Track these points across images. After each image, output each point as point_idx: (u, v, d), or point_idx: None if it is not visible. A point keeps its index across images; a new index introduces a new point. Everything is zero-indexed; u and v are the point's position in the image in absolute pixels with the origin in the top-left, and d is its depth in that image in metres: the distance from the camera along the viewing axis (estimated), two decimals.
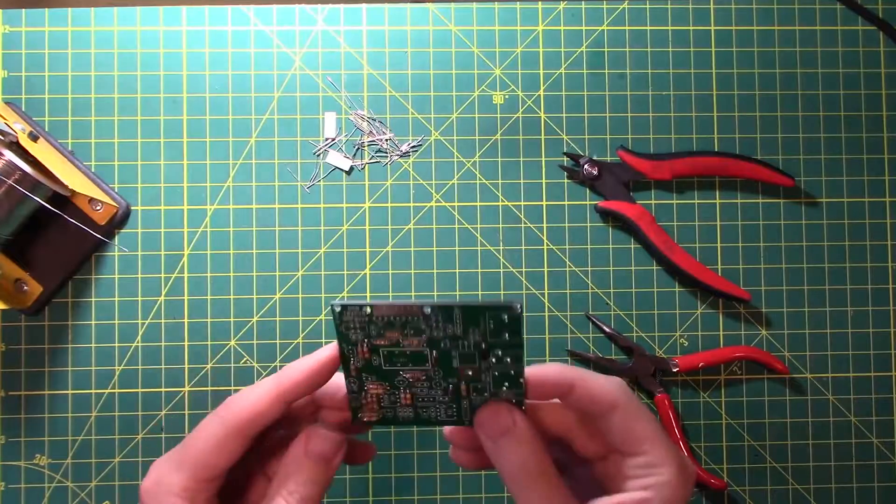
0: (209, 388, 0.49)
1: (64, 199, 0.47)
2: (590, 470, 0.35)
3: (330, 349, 0.32)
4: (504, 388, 0.33)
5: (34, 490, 0.48)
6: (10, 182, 0.43)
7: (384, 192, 0.50)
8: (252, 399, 0.32)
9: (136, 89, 0.50)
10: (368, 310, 0.31)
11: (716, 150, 0.51)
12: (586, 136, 0.51)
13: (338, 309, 0.31)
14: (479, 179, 0.51)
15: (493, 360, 0.32)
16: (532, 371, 0.33)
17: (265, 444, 0.35)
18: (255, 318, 0.50)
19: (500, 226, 0.51)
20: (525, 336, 0.32)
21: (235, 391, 0.49)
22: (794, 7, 0.52)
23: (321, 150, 0.50)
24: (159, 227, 0.50)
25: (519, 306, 0.31)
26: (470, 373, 0.32)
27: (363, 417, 0.34)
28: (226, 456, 0.32)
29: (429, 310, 0.31)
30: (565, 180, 0.51)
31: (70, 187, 0.45)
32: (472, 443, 0.35)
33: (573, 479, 0.35)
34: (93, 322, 0.49)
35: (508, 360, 0.32)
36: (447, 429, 0.35)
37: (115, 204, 0.49)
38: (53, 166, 0.45)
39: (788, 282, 0.51)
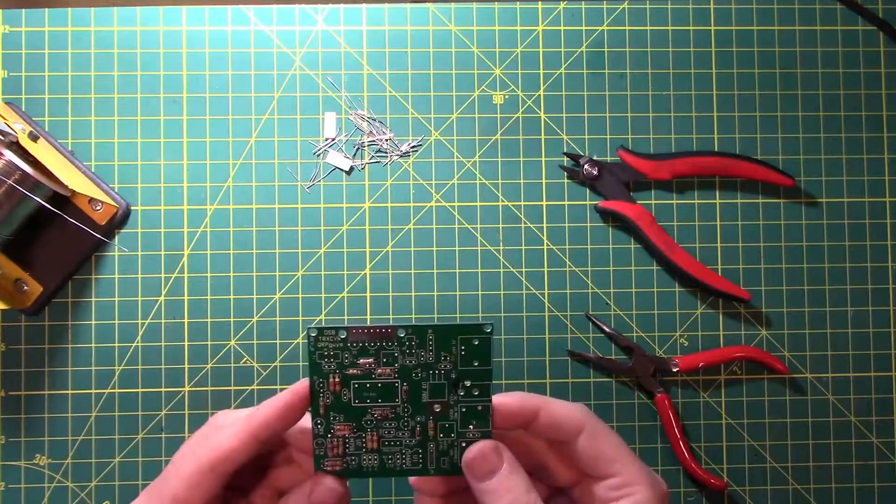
0: (209, 388, 0.49)
1: (64, 199, 0.47)
2: (567, 499, 0.35)
3: (301, 385, 0.33)
4: (471, 427, 0.33)
5: (34, 490, 0.48)
6: (10, 182, 0.43)
7: (384, 192, 0.50)
8: (225, 438, 0.32)
9: (136, 89, 0.50)
10: (343, 334, 0.32)
11: (716, 150, 0.51)
12: (586, 136, 0.51)
13: (314, 333, 0.32)
14: (479, 179, 0.51)
15: (462, 392, 0.32)
16: (495, 401, 0.33)
17: (249, 480, 0.35)
18: (255, 318, 0.50)
19: (500, 226, 0.51)
20: (492, 366, 0.33)
21: (235, 391, 0.49)
22: (794, 7, 0.52)
23: (321, 150, 0.50)
24: (159, 227, 0.50)
25: (490, 327, 0.32)
26: (438, 409, 0.33)
27: (326, 466, 0.34)
28: (199, 493, 0.32)
29: (402, 332, 0.32)
30: (565, 180, 0.51)
31: (70, 187, 0.45)
32: (438, 489, 0.35)
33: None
34: (93, 322, 0.49)
35: (477, 392, 0.33)
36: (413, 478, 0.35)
37: (115, 204, 0.49)
38: (53, 166, 0.45)
39: (788, 282, 0.51)
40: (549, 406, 0.33)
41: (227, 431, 0.32)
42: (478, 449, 0.32)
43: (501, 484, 0.31)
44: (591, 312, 0.51)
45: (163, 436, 0.49)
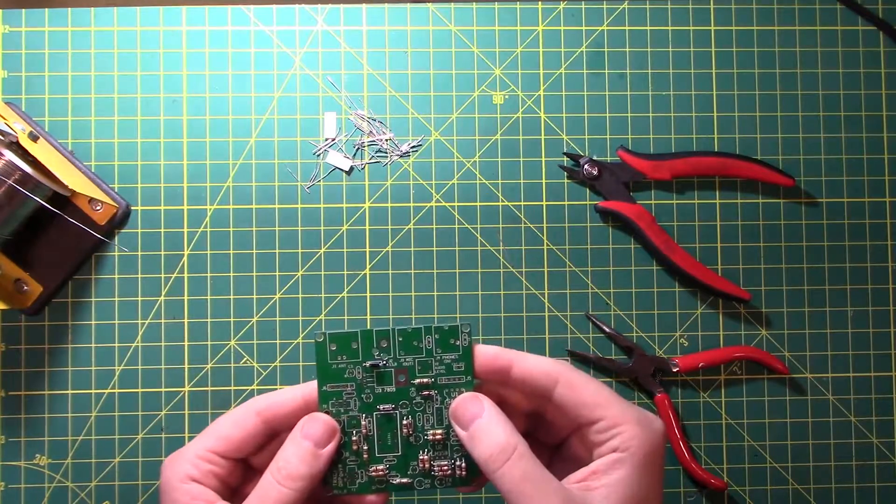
0: (209, 388, 0.49)
1: (64, 199, 0.47)
2: (568, 449, 0.35)
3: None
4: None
5: (34, 490, 0.48)
6: (10, 182, 0.43)
7: (384, 192, 0.50)
8: (276, 391, 0.35)
9: (136, 89, 0.50)
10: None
11: (716, 150, 0.51)
12: (586, 136, 0.51)
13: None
14: (479, 179, 0.51)
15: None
16: (474, 349, 0.34)
17: None
18: (255, 318, 0.50)
19: (500, 226, 0.51)
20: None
21: (235, 390, 0.49)
22: (794, 7, 0.52)
23: (321, 150, 0.50)
24: (159, 227, 0.50)
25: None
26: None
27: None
28: (240, 431, 0.34)
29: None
30: (565, 180, 0.51)
31: (70, 187, 0.45)
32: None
33: (556, 463, 0.36)
34: (93, 322, 0.49)
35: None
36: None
37: (115, 204, 0.49)
38: (53, 166, 0.45)
39: (788, 282, 0.51)
40: (523, 359, 0.34)
41: (280, 389, 0.35)
42: (460, 399, 0.34)
43: (481, 428, 0.32)
44: (591, 312, 0.51)
45: (163, 436, 0.49)
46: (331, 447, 0.34)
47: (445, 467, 0.34)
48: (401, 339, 0.34)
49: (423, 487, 0.34)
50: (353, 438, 0.34)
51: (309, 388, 0.34)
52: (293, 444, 0.33)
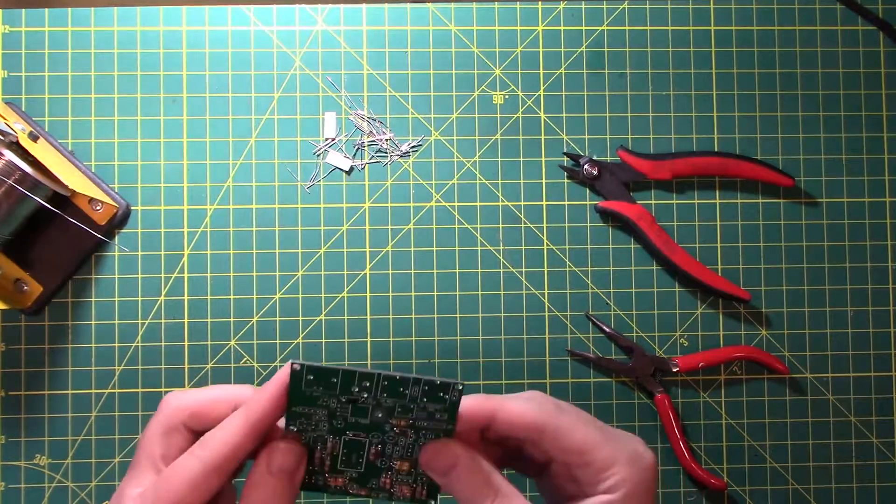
0: None
1: (64, 199, 0.47)
2: (560, 472, 0.35)
3: (286, 370, 0.32)
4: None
5: (34, 490, 0.48)
6: (10, 182, 0.43)
7: (384, 192, 0.50)
8: (227, 436, 0.32)
9: (136, 89, 0.50)
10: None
11: (716, 150, 0.51)
12: (586, 136, 0.51)
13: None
14: (479, 179, 0.51)
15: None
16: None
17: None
18: (255, 318, 0.50)
19: (500, 226, 0.51)
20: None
21: None
22: (794, 7, 0.52)
23: (321, 150, 0.50)
24: (159, 227, 0.50)
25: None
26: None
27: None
28: (204, 495, 0.31)
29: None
30: (565, 180, 0.51)
31: (70, 187, 0.45)
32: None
33: (551, 479, 0.35)
34: (93, 322, 0.49)
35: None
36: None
37: (115, 204, 0.49)
38: (53, 166, 0.45)
39: (788, 282, 0.51)
40: (504, 408, 0.32)
41: (228, 429, 0.32)
42: (431, 448, 0.33)
43: (462, 474, 0.32)
44: (591, 312, 0.51)
45: None
46: (301, 471, 0.32)
47: (406, 490, 0.34)
48: (385, 382, 0.32)
49: (380, 497, 0.34)
50: (317, 454, 0.33)
51: (254, 416, 0.32)
52: (264, 484, 0.31)
